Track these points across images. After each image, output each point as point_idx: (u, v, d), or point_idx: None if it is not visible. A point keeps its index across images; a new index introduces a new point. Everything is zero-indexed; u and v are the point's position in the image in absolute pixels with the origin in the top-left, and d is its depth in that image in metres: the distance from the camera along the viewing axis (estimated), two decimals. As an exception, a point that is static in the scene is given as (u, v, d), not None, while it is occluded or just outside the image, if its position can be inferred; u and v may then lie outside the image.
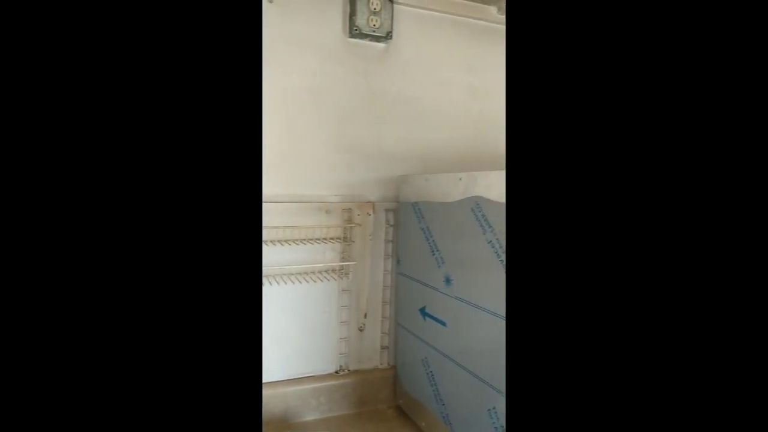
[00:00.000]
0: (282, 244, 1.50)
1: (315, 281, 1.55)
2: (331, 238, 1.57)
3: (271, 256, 1.49)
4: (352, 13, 1.54)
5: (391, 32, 1.59)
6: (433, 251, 1.37)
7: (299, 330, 1.59)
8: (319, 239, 1.54)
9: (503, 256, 1.04)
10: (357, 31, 1.54)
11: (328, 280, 1.58)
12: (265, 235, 1.46)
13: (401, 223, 1.60)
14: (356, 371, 1.67)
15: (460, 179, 1.22)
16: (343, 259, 1.60)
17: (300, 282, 1.51)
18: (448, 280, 1.29)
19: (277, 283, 1.48)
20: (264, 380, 1.53)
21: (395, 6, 1.60)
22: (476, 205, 1.14)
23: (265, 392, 1.50)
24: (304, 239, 1.53)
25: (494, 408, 1.07)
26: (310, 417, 1.57)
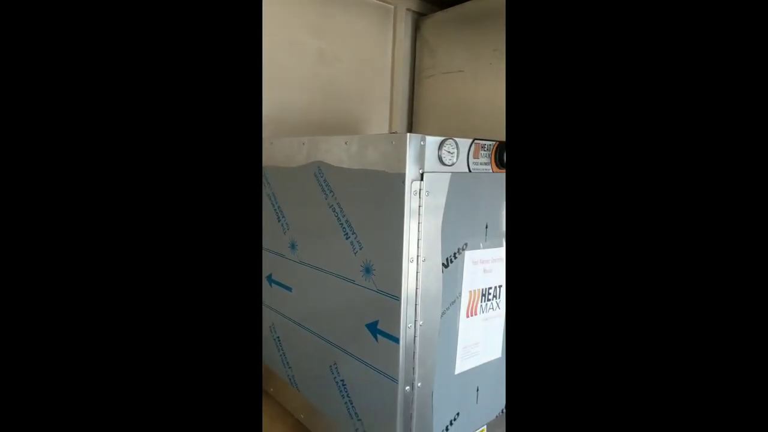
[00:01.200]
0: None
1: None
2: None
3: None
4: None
5: (230, -20, 1.46)
6: (279, 218, 1.34)
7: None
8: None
9: (343, 220, 1.07)
10: (190, -26, 1.37)
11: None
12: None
13: (247, 190, 1.52)
14: (200, 346, 1.58)
15: (303, 144, 1.21)
16: (181, 229, 1.47)
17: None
18: (293, 246, 1.28)
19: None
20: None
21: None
22: (318, 170, 1.14)
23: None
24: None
25: (335, 364, 1.12)
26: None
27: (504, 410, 1.17)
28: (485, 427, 1.13)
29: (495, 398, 1.15)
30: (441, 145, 0.92)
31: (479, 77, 1.68)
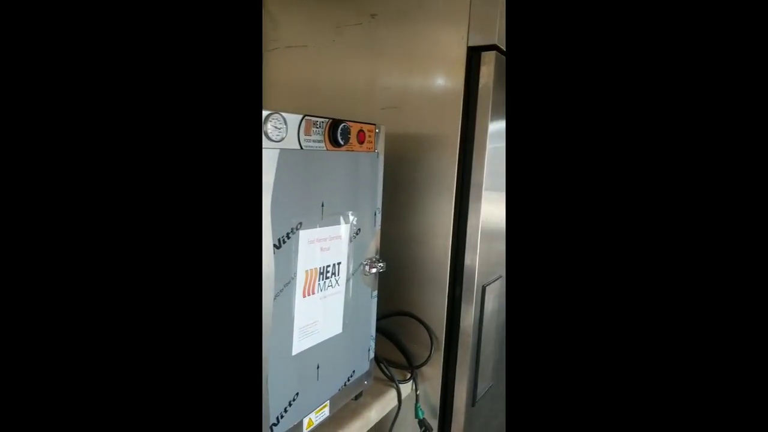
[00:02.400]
0: None
1: None
2: None
3: None
4: None
5: None
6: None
7: None
8: None
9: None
10: None
11: None
12: None
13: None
14: None
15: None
16: None
17: None
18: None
19: None
20: None
21: None
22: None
23: None
24: None
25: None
26: None
27: (347, 383, 1.20)
28: (328, 401, 1.15)
29: (337, 373, 1.17)
30: (266, 119, 0.87)
31: (323, 54, 1.66)
